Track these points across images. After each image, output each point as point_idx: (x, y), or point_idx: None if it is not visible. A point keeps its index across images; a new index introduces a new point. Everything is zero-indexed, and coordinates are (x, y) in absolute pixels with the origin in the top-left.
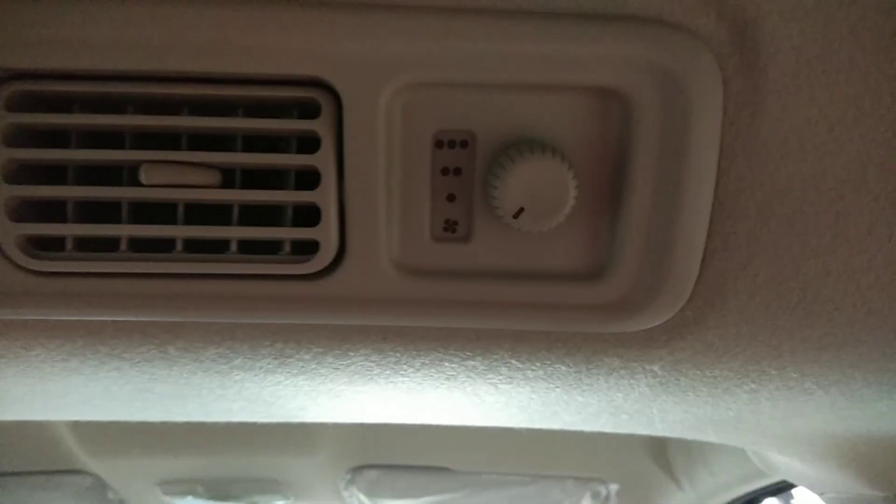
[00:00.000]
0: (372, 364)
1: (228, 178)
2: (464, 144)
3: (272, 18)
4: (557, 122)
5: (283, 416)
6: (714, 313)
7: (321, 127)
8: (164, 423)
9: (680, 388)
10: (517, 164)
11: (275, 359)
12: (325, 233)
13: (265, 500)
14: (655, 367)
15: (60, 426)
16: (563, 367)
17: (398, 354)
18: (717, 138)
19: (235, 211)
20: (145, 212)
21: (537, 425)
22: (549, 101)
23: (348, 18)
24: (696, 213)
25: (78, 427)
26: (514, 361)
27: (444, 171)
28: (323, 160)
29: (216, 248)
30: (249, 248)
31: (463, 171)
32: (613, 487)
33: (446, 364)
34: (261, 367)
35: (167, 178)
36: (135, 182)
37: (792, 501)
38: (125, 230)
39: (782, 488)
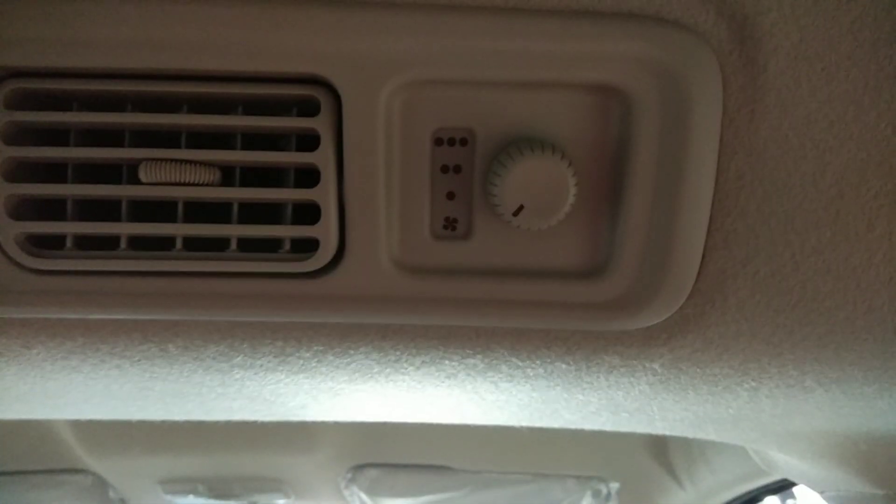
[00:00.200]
0: (372, 362)
1: (228, 176)
2: (463, 142)
3: (271, 16)
4: (557, 119)
5: (283, 415)
6: (714, 311)
7: (321, 125)
8: (164, 422)
9: (680, 386)
10: (517, 162)
11: (275, 357)
12: (325, 231)
13: (266, 499)
14: (655, 365)
15: (61, 425)
16: (564, 365)
17: (398, 352)
18: (717, 135)
19: (235, 209)
20: (145, 210)
21: (538, 423)
22: (549, 99)
23: (348, 16)
24: (696, 210)
25: (79, 426)
26: (514, 359)
27: (444, 169)
28: (322, 158)
29: (216, 246)
30: (249, 246)
31: (463, 168)
32: (614, 486)
33: (446, 362)
34: (261, 366)
35: (166, 176)
36: (134, 180)
37: (792, 501)
38: (125, 228)
39: (783, 487)
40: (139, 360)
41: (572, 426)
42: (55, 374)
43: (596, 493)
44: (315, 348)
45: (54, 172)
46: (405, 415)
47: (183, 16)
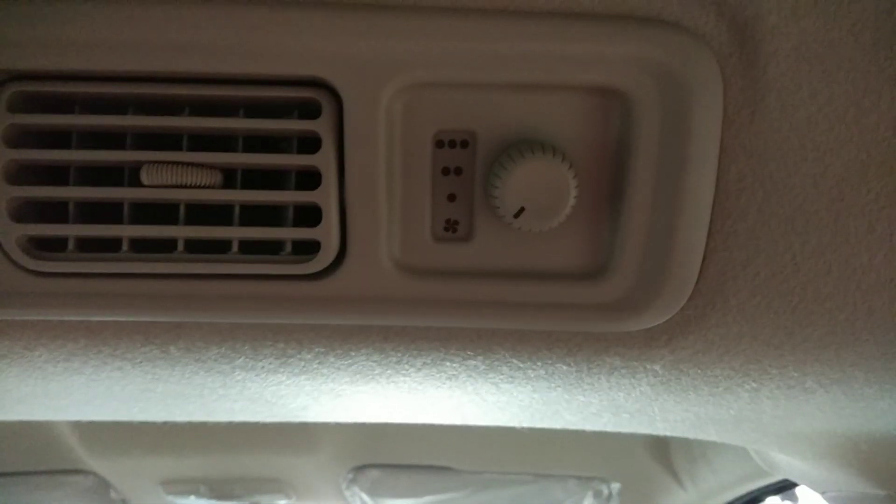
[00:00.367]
0: (373, 364)
1: (229, 178)
2: (464, 144)
3: (273, 19)
4: (558, 121)
5: (285, 416)
6: (715, 312)
7: (322, 127)
8: (166, 423)
9: (681, 388)
10: (518, 164)
11: (276, 359)
12: (326, 233)
13: (267, 500)
14: (656, 367)
15: (63, 426)
16: (564, 367)
17: (399, 354)
18: (717, 137)
19: (236, 211)
20: (147, 212)
21: (539, 424)
22: (550, 101)
23: (349, 19)
24: (697, 212)
25: (80, 427)
26: (515, 361)
27: (445, 171)
28: (324, 160)
29: (217, 248)
30: (251, 248)
31: (463, 170)
32: (615, 486)
33: (447, 364)
34: (262, 367)
35: (168, 178)
36: (136, 183)
37: (792, 502)
38: (126, 231)
39: (784, 487)
40: (141, 362)
41: (573, 427)
42: (57, 375)
43: (597, 494)
44: (316, 350)
45: (56, 175)
46: (406, 416)
47: (184, 19)
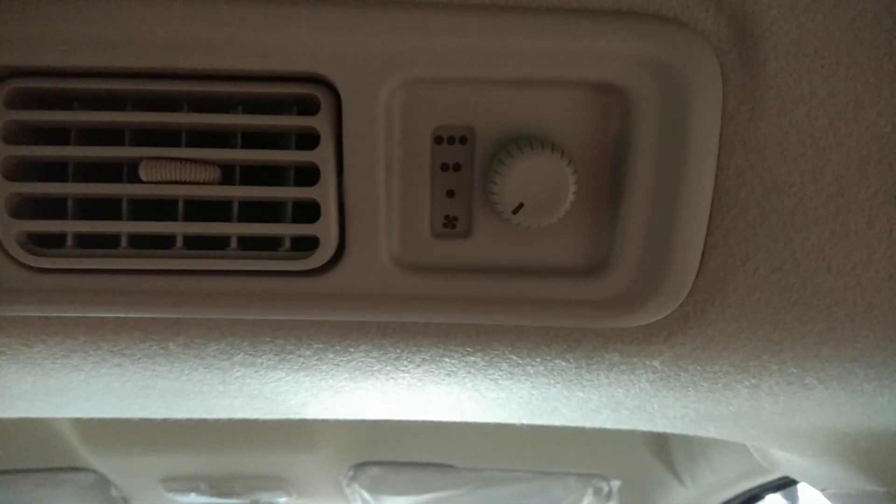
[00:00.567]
0: (372, 360)
1: (228, 174)
2: (463, 140)
3: (271, 15)
4: (556, 117)
5: (284, 413)
6: (714, 308)
7: (320, 123)
8: (166, 421)
9: (680, 384)
10: (516, 160)
11: (275, 355)
12: (325, 229)
13: (268, 497)
14: (655, 363)
15: (63, 423)
16: (564, 363)
17: (398, 350)
18: (717, 133)
19: (235, 207)
20: (145, 209)
21: (538, 421)
22: (548, 97)
23: (347, 15)
24: (696, 208)
25: (81, 424)
26: (514, 357)
27: (444, 167)
28: (322, 156)
29: (216, 244)
30: (249, 244)
31: (462, 166)
32: (615, 484)
33: (446, 360)
34: (261, 364)
35: (167, 174)
36: (135, 179)
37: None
38: (125, 227)
39: (784, 484)
40: (140, 359)
41: (573, 424)
42: (56, 372)
43: (597, 491)
44: (315, 346)
45: (55, 171)
46: (406, 413)
47: (183, 15)
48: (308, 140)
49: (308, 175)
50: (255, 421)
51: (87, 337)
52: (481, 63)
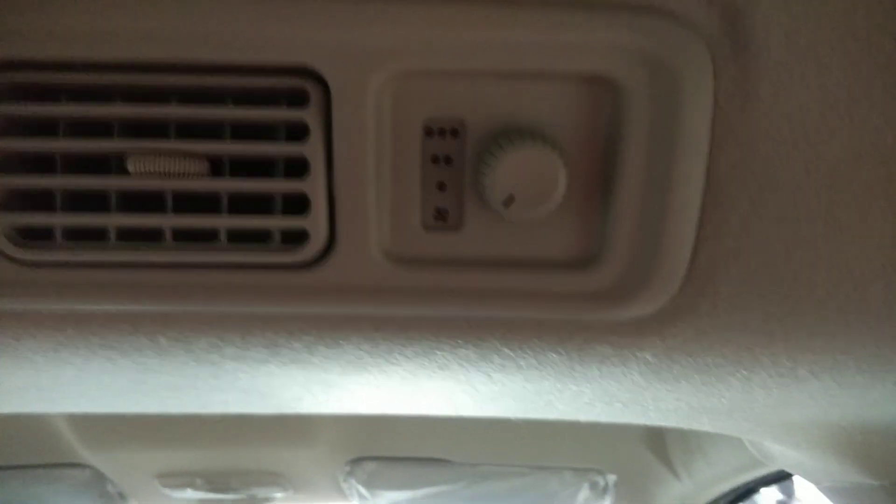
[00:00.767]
0: (364, 353)
1: (217, 167)
2: (454, 133)
3: (261, 6)
4: (548, 110)
5: (278, 408)
6: (706, 301)
7: (309, 115)
8: (162, 417)
9: (673, 376)
10: (507, 153)
11: (266, 348)
12: (315, 222)
13: (264, 493)
14: (647, 355)
15: (58, 419)
16: (555, 356)
17: (390, 343)
18: (708, 126)
19: (224, 200)
20: (134, 202)
21: (532, 415)
22: (540, 90)
23: (337, 7)
24: (687, 200)
25: (76, 420)
26: (505, 350)
27: (435, 160)
28: (311, 149)
29: (205, 238)
30: (239, 239)
31: (453, 159)
32: (611, 478)
33: (438, 353)
34: (253, 358)
35: (155, 166)
36: (123, 172)
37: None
38: (113, 219)
39: (780, 478)
40: (130, 352)
41: (567, 418)
42: (47, 366)
43: (593, 486)
44: (306, 340)
45: (43, 164)
46: (400, 407)
47: (171, 7)
48: (298, 133)
49: (298, 169)
50: (251, 417)
51: (75, 331)
52: (472, 55)
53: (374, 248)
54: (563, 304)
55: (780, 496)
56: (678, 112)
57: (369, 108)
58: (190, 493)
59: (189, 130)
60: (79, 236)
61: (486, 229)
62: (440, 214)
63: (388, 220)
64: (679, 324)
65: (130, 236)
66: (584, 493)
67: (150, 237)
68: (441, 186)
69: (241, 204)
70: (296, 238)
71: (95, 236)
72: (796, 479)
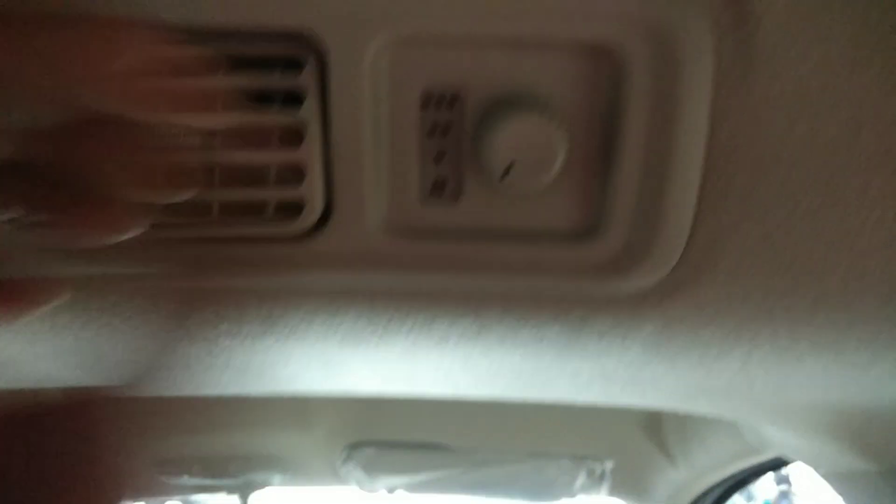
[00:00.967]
0: (361, 327)
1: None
2: (452, 102)
3: None
4: (547, 79)
5: (275, 387)
6: (705, 274)
7: (304, 82)
8: (157, 401)
9: (671, 353)
10: (506, 122)
11: (262, 323)
12: (310, 191)
13: (262, 478)
14: (646, 330)
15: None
16: (554, 329)
17: (387, 317)
18: (708, 96)
19: (216, 173)
20: None
21: (531, 395)
22: (539, 59)
23: None
24: (687, 172)
25: None
26: (504, 322)
27: (433, 130)
28: (306, 116)
29: (198, 212)
30: (233, 212)
31: (451, 129)
32: (608, 465)
33: (436, 327)
34: (248, 333)
35: None
36: None
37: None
38: None
39: (777, 465)
40: (130, 317)
41: (565, 399)
42: (44, 334)
43: (590, 472)
44: (302, 313)
45: None
46: (398, 386)
47: None
48: (294, 103)
49: (293, 140)
50: (249, 401)
51: (73, 295)
52: (472, 19)
53: (371, 218)
54: (561, 276)
55: (777, 486)
56: (678, 82)
57: (366, 75)
58: (187, 479)
59: None
60: None
61: (485, 200)
62: (438, 185)
63: (385, 191)
64: (679, 296)
65: None
66: (581, 479)
67: None
68: (439, 157)
69: (234, 179)
70: (291, 209)
71: None
72: (793, 472)
